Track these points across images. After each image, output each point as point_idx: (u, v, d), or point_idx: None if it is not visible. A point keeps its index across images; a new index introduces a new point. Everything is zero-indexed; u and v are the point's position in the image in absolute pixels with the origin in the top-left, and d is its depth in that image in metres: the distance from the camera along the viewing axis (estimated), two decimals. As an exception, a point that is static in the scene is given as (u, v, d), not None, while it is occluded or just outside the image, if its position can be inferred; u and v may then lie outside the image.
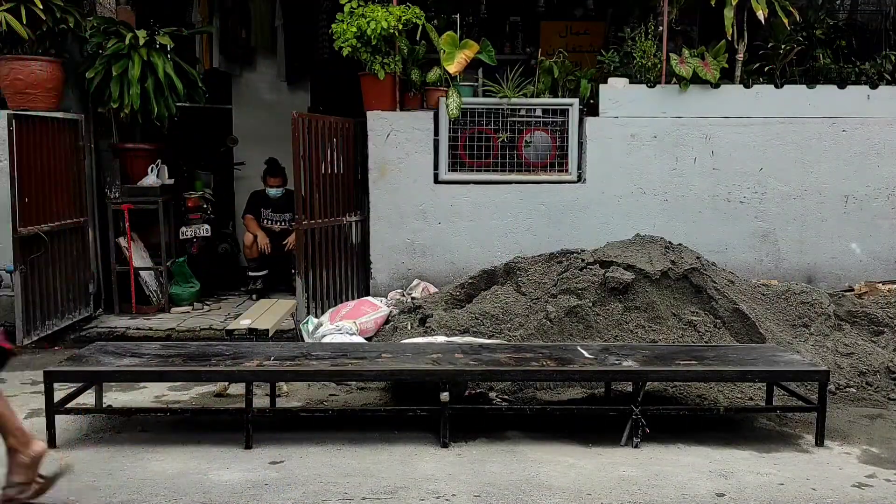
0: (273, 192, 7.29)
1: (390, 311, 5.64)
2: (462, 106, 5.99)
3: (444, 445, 3.89)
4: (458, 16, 6.46)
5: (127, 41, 6.10)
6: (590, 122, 6.21)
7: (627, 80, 6.23)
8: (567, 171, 6.25)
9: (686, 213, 6.26)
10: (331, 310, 5.75)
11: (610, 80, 6.24)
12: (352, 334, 5.23)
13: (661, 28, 6.22)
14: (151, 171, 6.68)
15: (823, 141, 6.26)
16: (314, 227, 5.91)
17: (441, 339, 4.78)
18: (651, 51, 6.17)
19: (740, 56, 6.24)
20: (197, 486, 3.42)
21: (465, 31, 6.66)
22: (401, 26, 5.85)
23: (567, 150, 6.23)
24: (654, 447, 3.94)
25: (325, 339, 5.10)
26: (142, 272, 6.68)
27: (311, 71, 8.69)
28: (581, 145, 6.24)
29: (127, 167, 6.70)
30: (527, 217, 6.23)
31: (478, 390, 4.58)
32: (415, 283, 6.12)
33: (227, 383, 4.67)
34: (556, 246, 5.76)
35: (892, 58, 6.33)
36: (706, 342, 4.84)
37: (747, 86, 6.23)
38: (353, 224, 6.37)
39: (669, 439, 4.03)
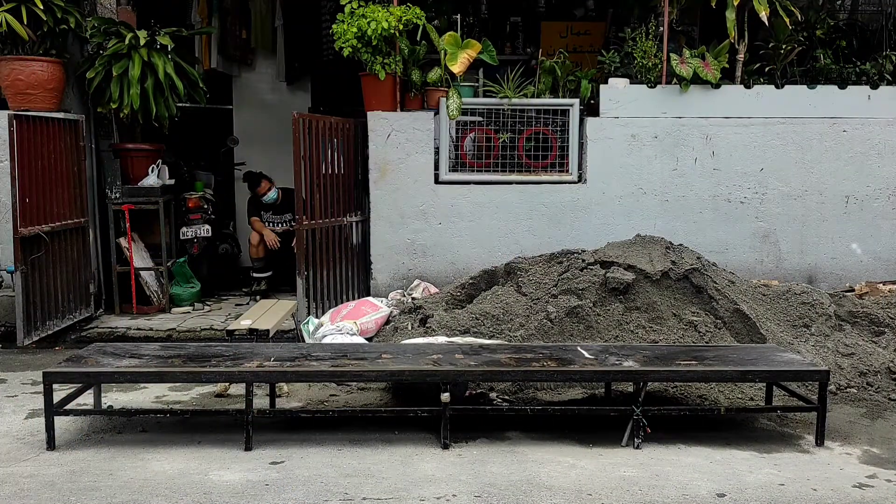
0: (267, 197, 7.26)
1: (391, 312, 5.64)
2: (462, 106, 6.00)
3: (445, 446, 3.88)
4: (458, 16, 6.46)
5: (127, 41, 6.10)
6: (590, 122, 6.21)
7: (628, 80, 6.22)
8: (568, 171, 6.25)
9: (687, 213, 6.26)
10: (331, 310, 5.75)
11: (610, 80, 6.24)
12: (352, 335, 5.23)
13: (661, 28, 6.22)
14: (152, 171, 6.68)
15: (824, 141, 6.25)
16: (315, 227, 5.91)
17: (442, 339, 4.77)
18: (652, 51, 6.17)
19: (741, 56, 6.24)
20: (197, 487, 3.42)
21: (465, 31, 6.66)
22: (401, 27, 5.85)
23: (568, 151, 6.23)
24: (655, 447, 3.94)
25: (326, 340, 5.10)
26: (142, 272, 6.69)
27: (312, 71, 8.69)
28: (582, 146, 6.24)
29: (127, 167, 6.71)
30: (527, 217, 6.23)
31: (478, 391, 4.58)
32: (415, 283, 6.12)
33: (227, 384, 4.67)
34: (556, 246, 5.76)
35: (893, 58, 6.32)
36: (707, 342, 4.84)
37: (748, 86, 6.22)
38: (354, 224, 6.37)
39: (670, 440, 4.03)
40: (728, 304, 5.03)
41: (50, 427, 3.86)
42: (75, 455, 3.78)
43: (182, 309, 6.77)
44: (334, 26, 5.99)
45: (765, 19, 5.96)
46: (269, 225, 7.37)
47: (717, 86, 6.16)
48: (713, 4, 5.98)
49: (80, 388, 4.21)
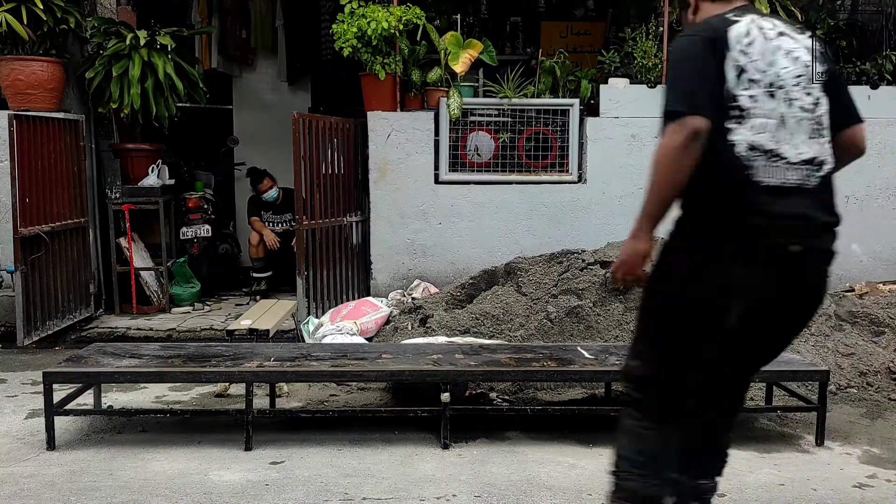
0: (268, 195, 7.26)
1: (391, 312, 5.64)
2: (463, 106, 6.00)
3: (445, 446, 3.88)
4: (458, 16, 6.46)
5: (127, 41, 6.10)
6: (590, 122, 6.21)
7: (628, 80, 6.22)
8: (568, 171, 6.25)
9: (687, 213, 6.25)
10: (331, 310, 5.75)
11: (610, 80, 6.24)
12: (352, 335, 5.23)
13: (661, 28, 6.22)
14: (152, 171, 6.69)
15: (824, 141, 6.24)
16: (315, 227, 5.91)
17: (442, 339, 4.77)
18: (652, 51, 6.17)
19: (741, 56, 6.23)
20: (198, 487, 3.42)
21: (465, 31, 6.65)
22: (401, 27, 5.85)
23: (568, 151, 6.23)
24: (655, 448, 3.94)
25: (326, 340, 5.10)
26: (142, 272, 6.69)
27: (312, 71, 8.69)
28: (582, 146, 6.23)
29: (127, 167, 6.71)
30: (527, 217, 6.22)
31: (478, 391, 4.58)
32: (415, 283, 6.12)
33: (227, 384, 4.67)
34: (556, 246, 5.75)
35: (893, 58, 6.32)
36: (707, 342, 4.83)
37: (748, 86, 6.21)
38: (354, 224, 6.37)
39: (670, 440, 4.02)
40: (728, 304, 5.02)
41: (50, 427, 3.86)
42: (75, 455, 3.78)
43: (182, 309, 6.77)
44: (334, 26, 5.99)
45: (765, 19, 5.95)
46: (268, 225, 7.37)
47: (717, 86, 6.14)
48: (713, 4, 5.97)
49: (80, 388, 4.21)
